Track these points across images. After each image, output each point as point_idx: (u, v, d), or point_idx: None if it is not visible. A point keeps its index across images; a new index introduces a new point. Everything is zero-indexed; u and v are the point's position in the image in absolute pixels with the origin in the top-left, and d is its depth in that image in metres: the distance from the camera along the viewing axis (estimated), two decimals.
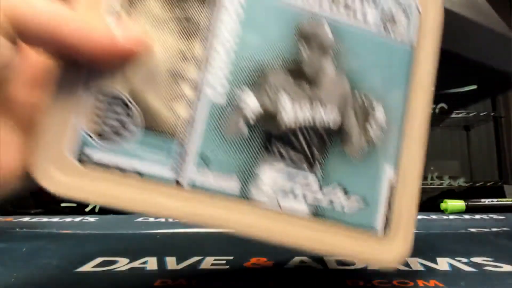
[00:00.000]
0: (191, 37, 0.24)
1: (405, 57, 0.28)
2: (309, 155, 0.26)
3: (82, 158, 0.21)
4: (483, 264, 0.31)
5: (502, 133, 1.87)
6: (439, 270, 0.29)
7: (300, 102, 0.26)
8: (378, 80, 0.27)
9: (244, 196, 0.24)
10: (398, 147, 0.27)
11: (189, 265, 0.31)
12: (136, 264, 0.32)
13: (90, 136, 0.21)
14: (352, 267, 0.31)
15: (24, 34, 0.18)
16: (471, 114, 1.89)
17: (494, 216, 0.63)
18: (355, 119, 0.27)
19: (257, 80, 0.25)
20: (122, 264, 0.32)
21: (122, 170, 0.22)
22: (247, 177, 0.24)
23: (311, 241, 0.25)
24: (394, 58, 0.28)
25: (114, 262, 0.32)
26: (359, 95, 0.27)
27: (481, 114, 1.90)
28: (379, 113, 0.27)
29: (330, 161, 0.26)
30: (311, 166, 0.26)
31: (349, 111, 0.27)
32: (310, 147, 0.26)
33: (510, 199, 0.72)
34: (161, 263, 0.32)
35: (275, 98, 0.26)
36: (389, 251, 0.26)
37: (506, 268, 0.30)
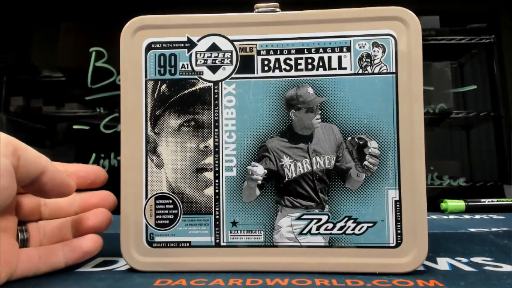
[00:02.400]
0: (201, 134, 0.31)
1: (390, 85, 0.30)
2: (317, 199, 0.30)
3: (150, 242, 0.30)
4: (483, 264, 0.31)
5: (502, 133, 1.87)
6: (439, 270, 0.29)
7: (299, 158, 0.30)
8: (369, 117, 0.30)
9: (269, 243, 0.30)
10: (397, 169, 0.29)
11: None
12: None
13: (152, 227, 0.30)
14: None
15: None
16: (471, 114, 1.89)
17: (494, 216, 0.63)
18: (350, 158, 0.30)
19: (259, 150, 0.30)
20: (122, 264, 0.32)
21: (177, 244, 0.30)
22: (268, 229, 0.30)
23: (329, 265, 0.29)
24: (381, 89, 0.30)
25: (114, 262, 0.32)
26: (352, 138, 0.30)
27: (481, 114, 1.90)
28: (374, 146, 0.30)
29: (336, 200, 0.30)
30: (321, 207, 0.30)
31: (344, 153, 0.30)
32: (316, 192, 0.30)
33: (510, 199, 0.72)
34: None
35: (278, 162, 0.30)
36: (404, 258, 0.29)
37: (506, 268, 0.30)
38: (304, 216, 0.30)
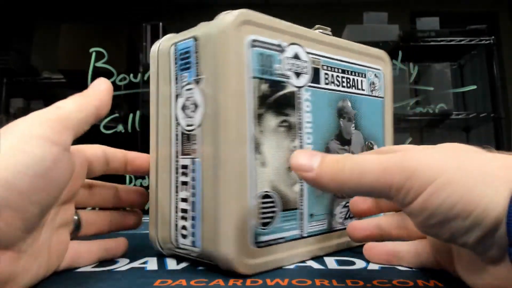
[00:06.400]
0: (292, 135, 0.32)
1: (381, 106, 0.40)
2: None
3: (256, 242, 0.30)
4: None
5: (502, 134, 1.87)
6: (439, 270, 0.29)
7: None
8: (373, 127, 0.39)
9: (330, 229, 0.35)
10: None
11: (189, 265, 0.31)
12: (136, 264, 0.32)
13: (258, 227, 0.30)
14: (352, 267, 0.31)
15: None
16: (471, 115, 1.89)
17: None
18: None
19: (324, 151, 0.34)
20: (122, 264, 0.32)
21: (275, 241, 0.31)
22: (330, 216, 0.35)
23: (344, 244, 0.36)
24: (377, 108, 0.40)
25: (114, 262, 0.32)
26: (367, 142, 0.39)
27: (481, 115, 1.90)
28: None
29: None
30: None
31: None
32: None
33: None
34: (161, 263, 0.32)
35: None
36: None
37: None
38: (347, 204, 0.36)
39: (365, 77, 0.38)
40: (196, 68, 0.30)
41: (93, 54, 1.14)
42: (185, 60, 0.31)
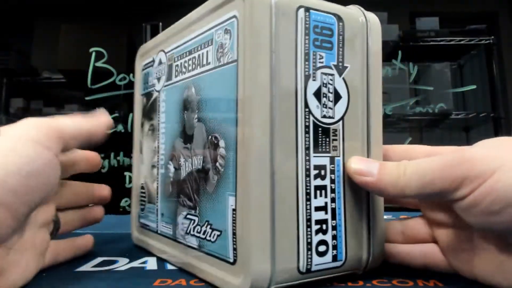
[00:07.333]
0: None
1: (233, 75, 0.26)
2: (193, 200, 0.29)
3: None
4: None
5: (502, 134, 1.87)
6: None
7: (187, 158, 0.30)
8: (220, 112, 0.26)
9: (174, 237, 0.31)
10: (235, 172, 0.24)
11: None
12: (135, 264, 0.32)
13: None
14: None
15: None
16: (470, 115, 1.89)
17: None
18: (209, 157, 0.27)
19: (171, 150, 0.32)
20: (122, 264, 0.32)
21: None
22: (174, 224, 0.31)
23: (196, 269, 0.28)
24: (228, 81, 0.26)
25: (114, 262, 0.32)
26: (211, 137, 0.27)
27: (481, 115, 1.90)
28: (222, 146, 0.26)
29: (202, 202, 0.28)
30: (195, 209, 0.29)
31: (207, 152, 0.27)
32: (193, 192, 0.29)
33: None
34: (161, 263, 0.32)
35: (179, 160, 0.31)
36: (238, 279, 0.24)
37: None
38: (188, 216, 0.29)
39: (211, 43, 0.27)
40: (339, 52, 0.26)
41: (93, 54, 1.14)
42: (323, 37, 0.25)
